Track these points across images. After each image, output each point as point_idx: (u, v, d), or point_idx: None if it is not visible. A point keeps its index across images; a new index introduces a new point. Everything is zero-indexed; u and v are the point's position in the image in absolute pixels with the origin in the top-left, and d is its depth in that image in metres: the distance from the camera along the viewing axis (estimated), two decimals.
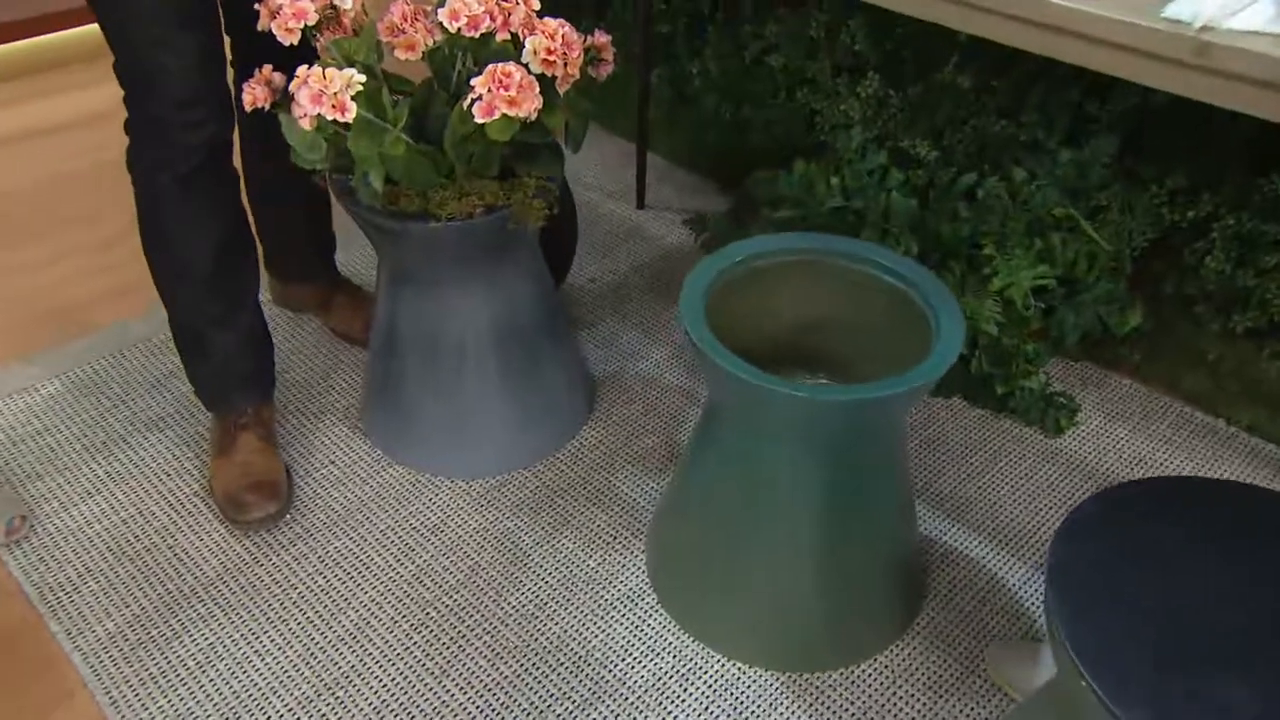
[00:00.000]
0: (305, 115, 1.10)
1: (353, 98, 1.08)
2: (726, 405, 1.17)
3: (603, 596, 1.36)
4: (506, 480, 1.53)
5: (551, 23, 1.25)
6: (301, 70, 1.09)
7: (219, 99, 1.29)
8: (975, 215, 1.71)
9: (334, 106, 1.07)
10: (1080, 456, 1.60)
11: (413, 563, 1.40)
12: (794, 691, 1.24)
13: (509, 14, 1.25)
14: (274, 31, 1.14)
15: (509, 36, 1.26)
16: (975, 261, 1.69)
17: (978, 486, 1.54)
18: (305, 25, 1.12)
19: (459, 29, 1.21)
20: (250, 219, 1.63)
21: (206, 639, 1.29)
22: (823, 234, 1.27)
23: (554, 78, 1.27)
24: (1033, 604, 1.35)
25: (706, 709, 1.22)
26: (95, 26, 1.23)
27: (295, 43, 1.13)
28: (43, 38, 2.55)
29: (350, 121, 1.10)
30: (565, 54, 1.25)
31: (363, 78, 1.10)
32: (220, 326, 1.44)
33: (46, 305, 1.87)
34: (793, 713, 1.22)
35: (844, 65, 1.85)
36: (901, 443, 1.23)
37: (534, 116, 1.21)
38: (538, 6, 1.27)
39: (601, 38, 1.39)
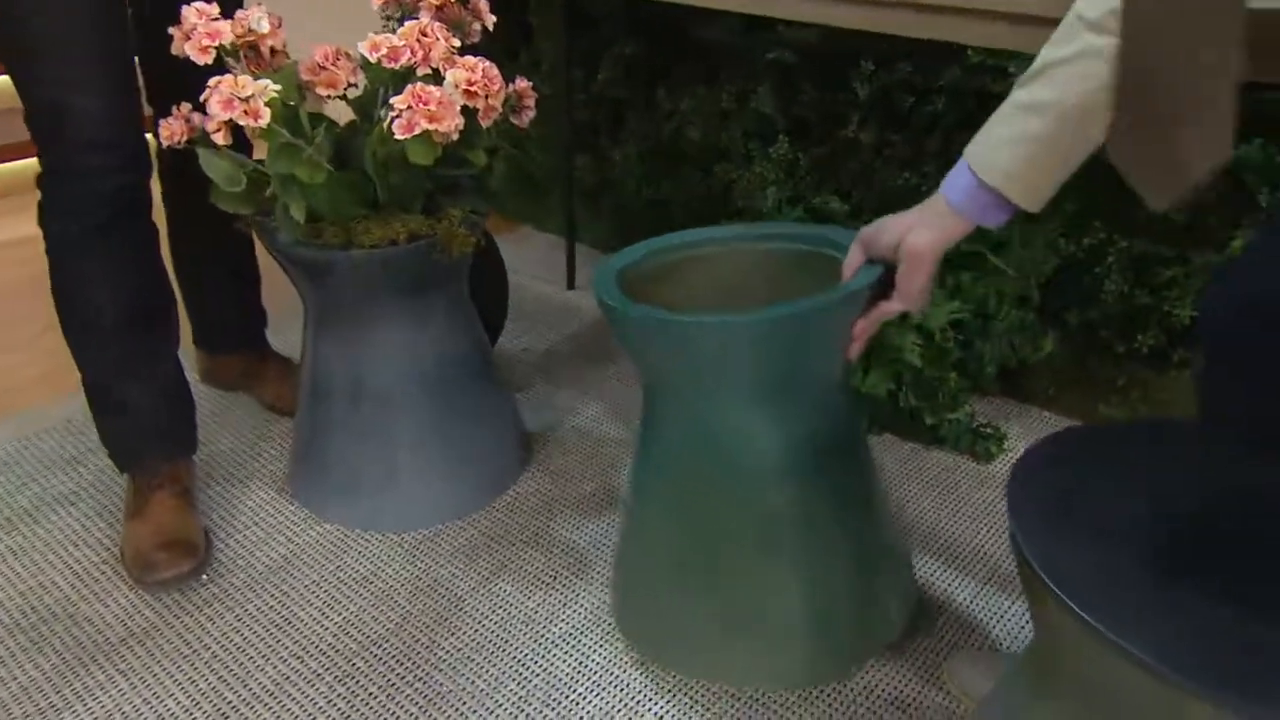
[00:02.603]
0: (219, 127, 1.00)
1: (267, 103, 0.99)
2: (658, 376, 1.03)
3: (543, 636, 1.19)
4: (440, 531, 1.38)
5: (471, 59, 1.20)
6: (214, 79, 1.00)
7: (133, 146, 1.19)
8: None
9: (247, 112, 0.98)
10: None
11: (339, 615, 1.22)
12: (749, 718, 1.08)
13: (429, 49, 1.19)
14: (189, 53, 1.05)
15: (430, 71, 1.20)
16: None
17: (917, 510, 1.43)
18: (220, 45, 1.05)
19: (379, 59, 1.15)
20: (181, 292, 1.53)
21: (104, 706, 1.09)
22: (724, 225, 1.16)
23: (476, 110, 1.21)
24: (985, 615, 1.23)
25: None
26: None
27: (210, 62, 1.05)
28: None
29: (264, 128, 1.00)
30: (487, 86, 1.19)
31: (278, 86, 1.01)
32: (135, 380, 1.29)
33: None
34: None
35: (755, 132, 1.84)
36: (851, 400, 1.07)
37: (455, 136, 1.14)
38: (458, 43, 1.22)
39: (523, 83, 1.34)
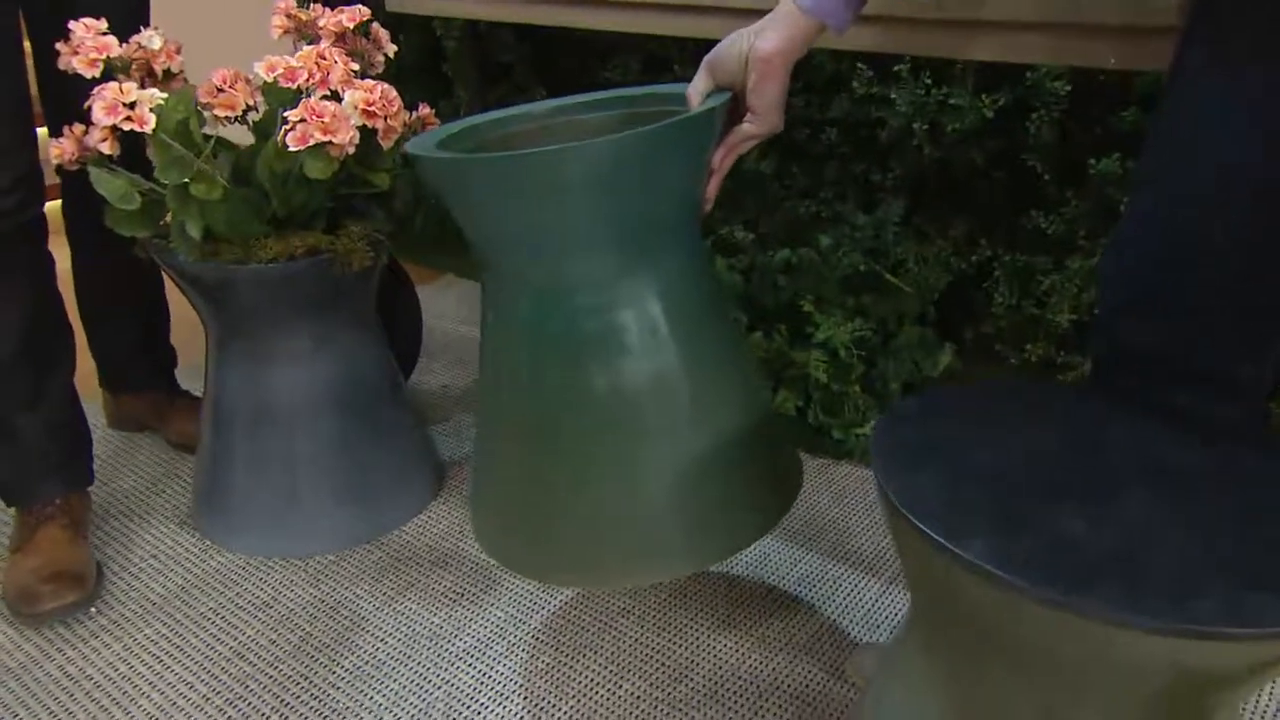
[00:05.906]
0: (104, 135, 0.99)
1: (152, 109, 0.98)
2: (492, 245, 0.93)
3: (447, 650, 1.14)
4: (347, 555, 1.33)
5: (370, 81, 1.21)
6: (99, 87, 0.99)
7: (21, 169, 1.16)
8: (793, 282, 1.71)
9: (130, 118, 0.97)
10: None
11: (234, 640, 1.16)
12: (660, 712, 1.04)
13: (327, 72, 1.20)
14: (76, 67, 1.04)
15: (328, 93, 1.20)
16: (799, 323, 1.67)
17: (828, 519, 1.43)
18: (109, 59, 1.04)
19: (275, 79, 1.15)
20: (86, 334, 1.49)
21: None
22: (553, 99, 1.06)
23: (376, 130, 1.21)
24: (890, 612, 1.22)
25: None
26: None
27: (99, 75, 1.04)
28: None
29: (151, 135, 0.99)
30: (385, 106, 1.20)
31: (164, 95, 1.00)
32: (25, 410, 1.24)
33: None
34: None
35: None
36: (709, 259, 0.98)
37: (351, 149, 1.14)
38: (356, 67, 1.23)
39: (425, 110, 1.36)
